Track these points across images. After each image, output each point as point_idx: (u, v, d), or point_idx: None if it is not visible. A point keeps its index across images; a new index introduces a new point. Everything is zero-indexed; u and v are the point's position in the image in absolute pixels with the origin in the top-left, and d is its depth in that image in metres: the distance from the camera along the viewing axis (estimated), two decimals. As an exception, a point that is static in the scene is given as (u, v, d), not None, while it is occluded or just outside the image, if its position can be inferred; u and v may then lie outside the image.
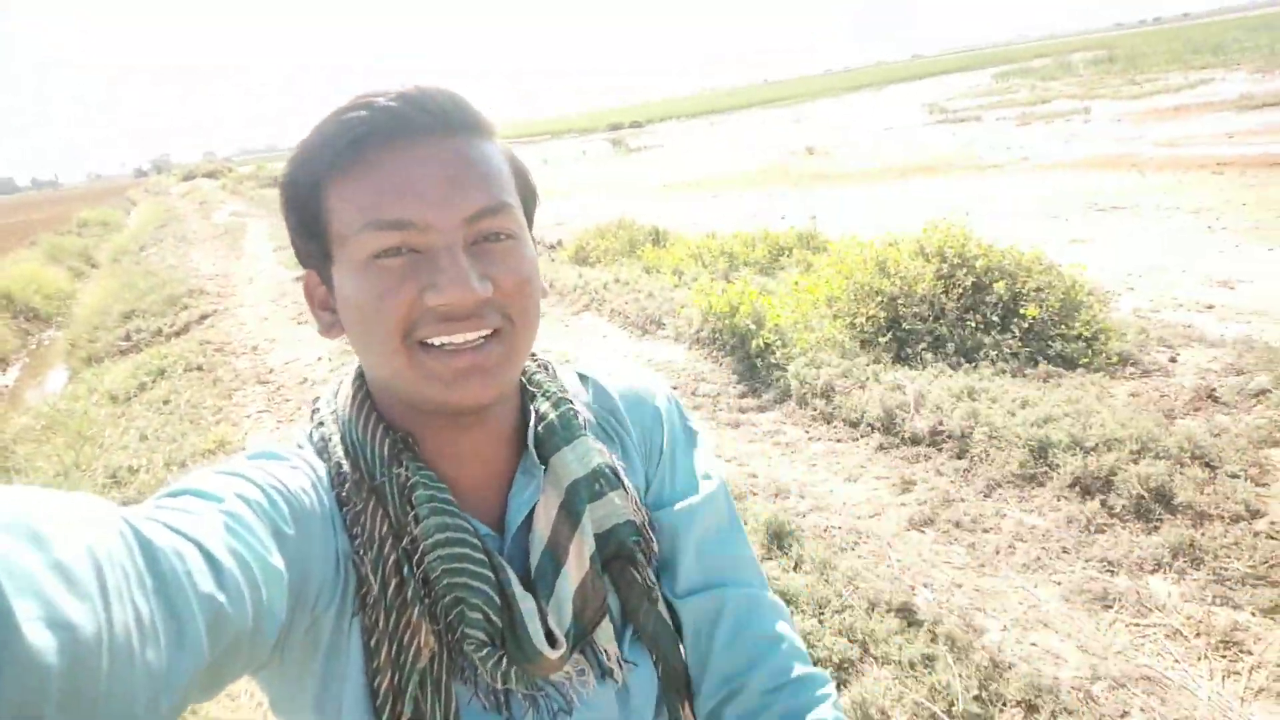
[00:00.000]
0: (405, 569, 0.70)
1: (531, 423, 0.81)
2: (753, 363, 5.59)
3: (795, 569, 3.29)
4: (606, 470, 0.81)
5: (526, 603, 0.72)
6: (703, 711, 0.88)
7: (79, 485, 5.23)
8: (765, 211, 12.44)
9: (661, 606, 0.84)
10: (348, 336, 0.73)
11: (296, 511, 0.67)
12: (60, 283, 17.37)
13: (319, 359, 7.42)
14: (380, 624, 0.69)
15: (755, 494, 3.95)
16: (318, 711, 0.70)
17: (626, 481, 0.83)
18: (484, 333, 0.69)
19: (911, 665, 2.69)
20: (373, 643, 0.69)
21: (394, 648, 0.68)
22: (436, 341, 0.67)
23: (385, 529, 0.71)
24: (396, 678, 0.68)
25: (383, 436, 0.74)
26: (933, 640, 2.79)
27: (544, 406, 0.82)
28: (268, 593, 0.58)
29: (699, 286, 6.52)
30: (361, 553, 0.70)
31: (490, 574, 0.71)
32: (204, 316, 10.25)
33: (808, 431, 4.71)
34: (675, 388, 5.55)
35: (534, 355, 0.87)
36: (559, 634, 0.73)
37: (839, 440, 4.54)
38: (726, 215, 12.66)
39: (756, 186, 16.45)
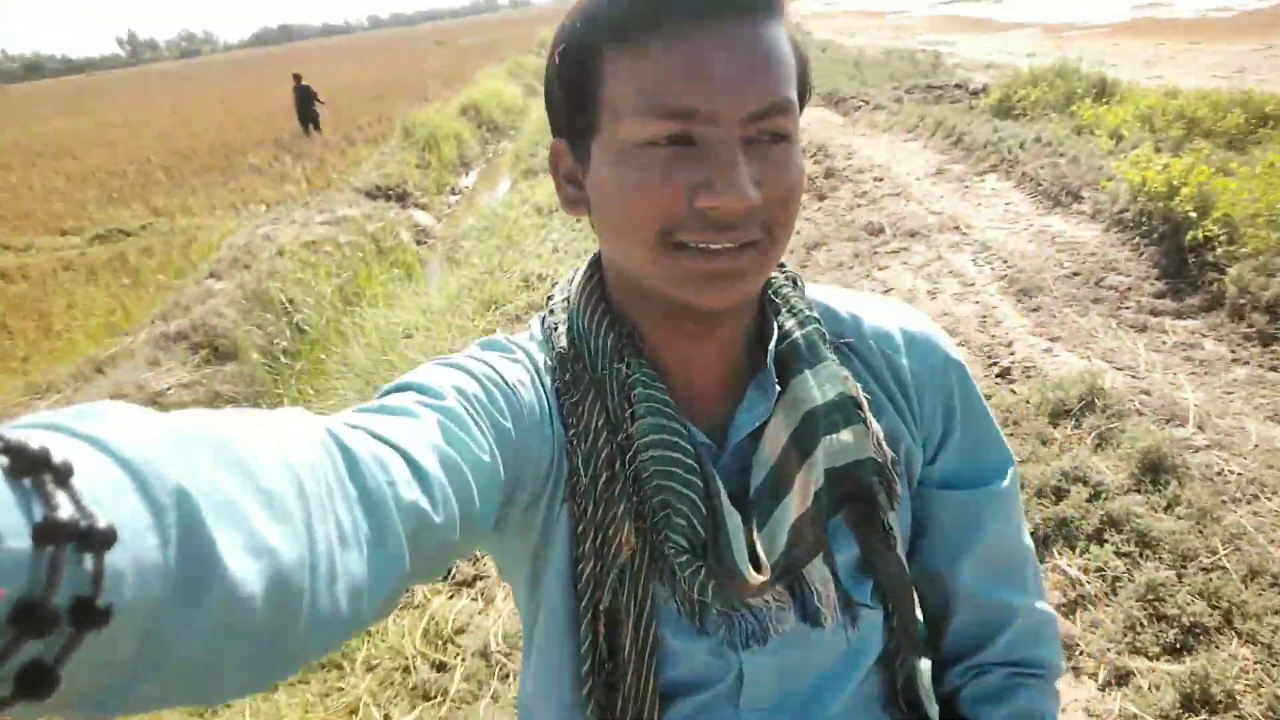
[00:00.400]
0: (617, 464, 0.70)
1: (774, 339, 0.75)
2: (1182, 258, 4.72)
3: (1166, 510, 2.84)
4: (850, 402, 0.74)
5: (733, 518, 0.69)
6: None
7: (499, 284, 6.04)
8: (1261, 67, 10.11)
9: (901, 554, 0.79)
10: (594, 219, 0.70)
11: (514, 404, 0.67)
12: (517, 99, 19.60)
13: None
14: (588, 513, 0.70)
15: (1141, 414, 3.43)
16: (531, 585, 0.75)
17: (870, 417, 0.75)
18: (742, 242, 0.64)
19: (1287, 654, 2.25)
20: (579, 530, 0.70)
21: (598, 538, 0.70)
22: (692, 242, 0.63)
23: (601, 422, 0.70)
24: (598, 566, 0.70)
25: (608, 329, 0.73)
26: (1327, 634, 2.29)
27: (789, 323, 0.76)
28: (479, 494, 0.59)
29: (1135, 157, 5.57)
30: (575, 443, 0.71)
31: (699, 483, 0.69)
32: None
33: (1233, 351, 3.93)
34: (1076, 274, 4.92)
35: (782, 266, 0.80)
36: (764, 560, 0.70)
37: (1273, 368, 3.74)
38: (1202, 69, 10.50)
39: (1258, 32, 13.33)
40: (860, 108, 11.30)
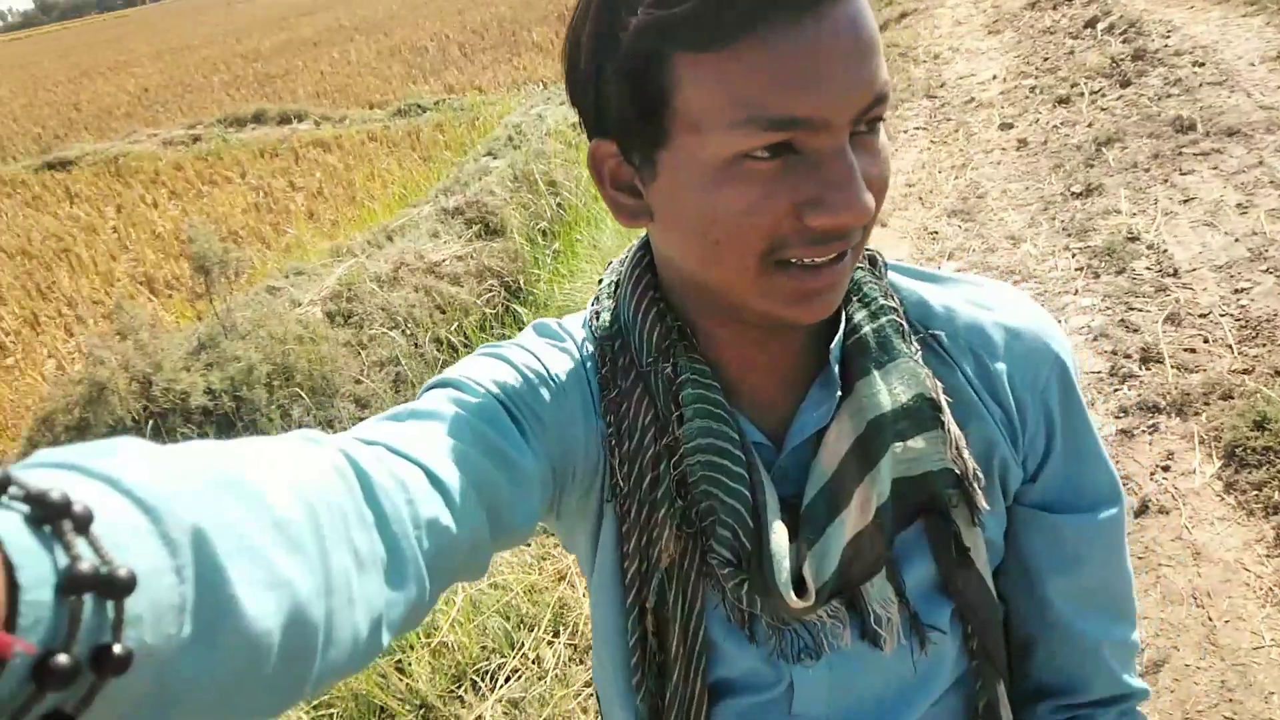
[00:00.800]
0: (662, 466, 0.66)
1: (840, 333, 0.68)
2: None
3: None
4: (927, 405, 0.66)
5: (779, 536, 0.65)
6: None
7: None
8: None
9: (985, 569, 0.71)
10: (660, 231, 0.64)
11: (557, 394, 0.66)
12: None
13: (993, 78, 6.92)
14: (631, 513, 0.68)
15: None
16: (590, 569, 0.74)
17: (950, 421, 0.67)
18: (845, 250, 0.59)
19: None
20: (624, 529, 0.69)
21: (643, 539, 0.68)
22: (796, 259, 0.58)
23: (649, 419, 0.67)
24: (643, 566, 0.68)
25: (655, 321, 0.68)
26: None
27: (859, 315, 0.68)
28: (514, 492, 0.59)
29: None
30: (617, 441, 0.68)
31: (747, 494, 0.65)
32: (903, 15, 10.15)
33: None
34: None
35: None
36: (811, 583, 0.65)
37: None
38: None
39: None
40: (1196, -29, 9.57)
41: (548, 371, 0.67)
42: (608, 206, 0.65)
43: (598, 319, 0.73)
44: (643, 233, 0.71)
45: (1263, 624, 2.12)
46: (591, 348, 0.72)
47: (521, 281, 5.34)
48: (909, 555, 0.70)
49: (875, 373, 0.66)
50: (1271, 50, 6.25)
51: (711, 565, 0.67)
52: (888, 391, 0.66)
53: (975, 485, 0.67)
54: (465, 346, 4.50)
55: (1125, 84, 6.26)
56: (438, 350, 4.55)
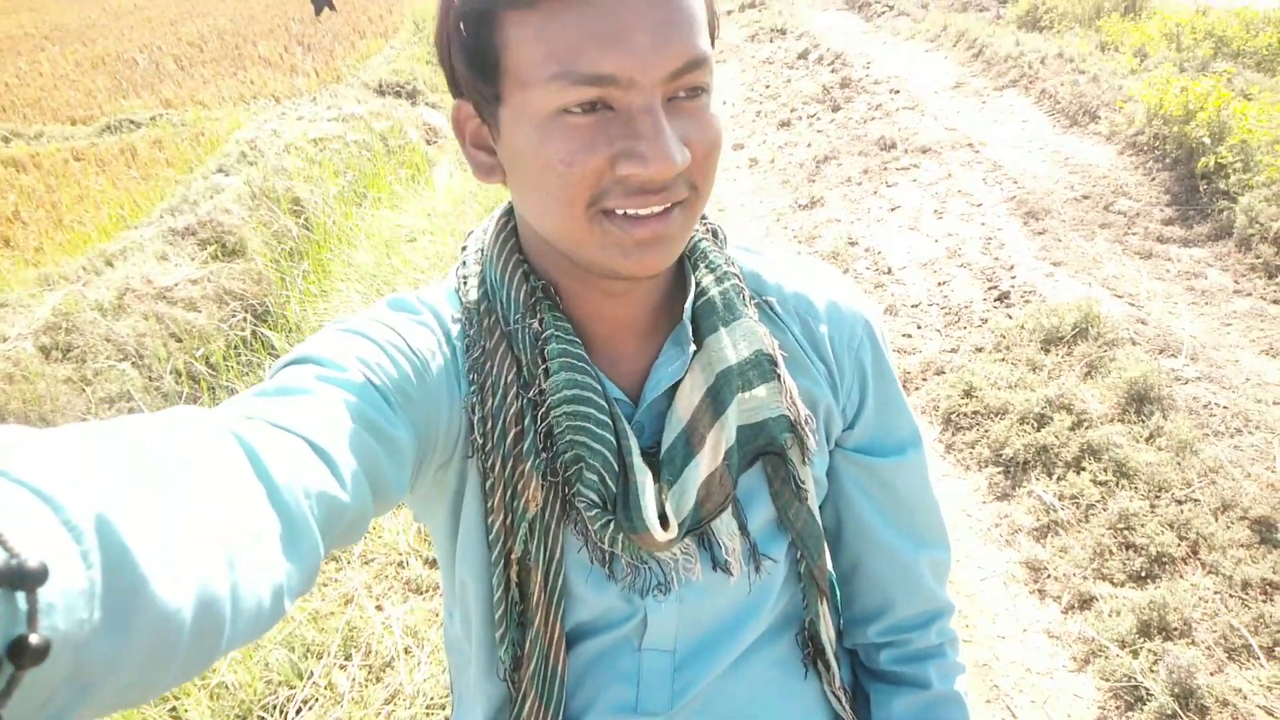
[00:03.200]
0: (526, 419, 0.69)
1: (690, 296, 0.74)
2: (1194, 185, 4.64)
3: (1147, 441, 2.89)
4: (765, 359, 0.74)
5: (643, 476, 0.70)
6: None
7: (503, 190, 5.98)
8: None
9: (814, 506, 0.80)
10: (511, 187, 0.67)
11: (420, 371, 0.67)
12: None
13: (723, 103, 7.43)
14: (495, 468, 0.69)
15: (1134, 343, 3.44)
16: (449, 535, 0.76)
17: (785, 374, 0.75)
18: (669, 205, 0.63)
19: (1245, 586, 2.32)
20: (488, 485, 0.70)
21: (508, 492, 0.70)
22: (619, 209, 0.62)
23: (512, 376, 0.69)
24: (508, 519, 0.70)
25: (520, 282, 0.71)
26: (1287, 568, 2.36)
27: (706, 280, 0.75)
28: (389, 464, 0.59)
29: (1153, 78, 5.40)
30: (481, 397, 0.70)
31: (612, 439, 0.69)
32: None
33: (1237, 282, 3.91)
34: (1085, 198, 4.85)
35: (704, 219, 0.79)
36: (673, 518, 0.71)
37: (1275, 301, 3.73)
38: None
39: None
40: (884, 14, 10.90)
41: (409, 345, 0.68)
42: (468, 163, 0.69)
43: (465, 284, 0.75)
44: (495, 209, 0.76)
45: (985, 559, 2.48)
46: (455, 314, 0.74)
47: (270, 304, 5.03)
48: (750, 494, 0.77)
49: (722, 329, 0.73)
50: (950, 81, 7.26)
51: (577, 510, 0.71)
52: (733, 347, 0.72)
53: (806, 429, 0.76)
54: (212, 375, 4.17)
55: (836, 109, 7.01)
56: (177, 382, 4.18)
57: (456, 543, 0.76)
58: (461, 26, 0.61)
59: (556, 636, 0.75)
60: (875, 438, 0.83)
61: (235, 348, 4.53)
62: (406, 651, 2.44)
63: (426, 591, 2.68)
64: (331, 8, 16.09)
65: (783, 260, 0.83)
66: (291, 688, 2.30)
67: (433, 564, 2.78)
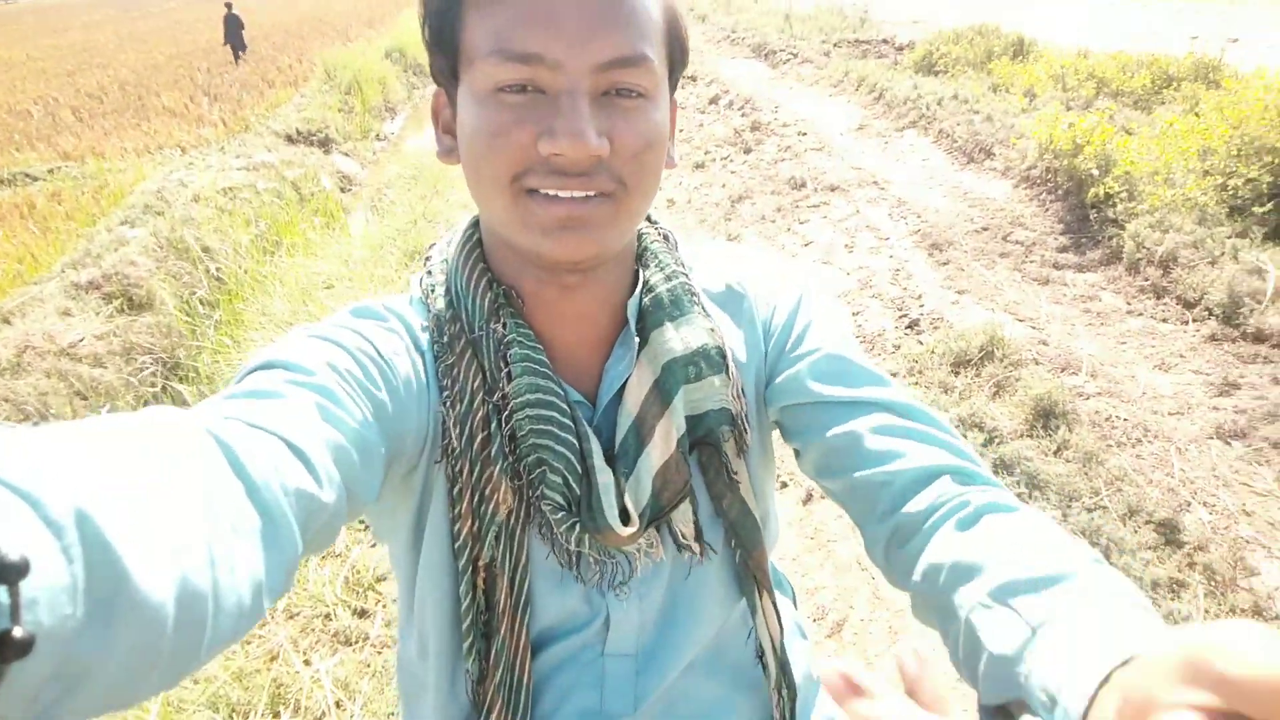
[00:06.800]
0: (493, 424, 0.70)
1: (636, 293, 0.76)
2: (1084, 214, 4.93)
3: (1055, 454, 3.03)
4: (712, 351, 0.76)
5: (605, 476, 0.71)
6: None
7: (424, 235, 5.97)
8: (1171, 29, 10.43)
9: (748, 495, 0.80)
10: (463, 168, 0.69)
11: (388, 375, 0.67)
12: (444, 41, 18.98)
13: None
14: (464, 474, 0.70)
15: (1038, 363, 3.61)
16: (412, 545, 0.76)
17: (732, 367, 0.77)
18: (591, 192, 0.65)
19: (1154, 585, 2.44)
20: (455, 491, 0.71)
21: (475, 498, 0.71)
22: (540, 189, 0.64)
23: (478, 383, 0.71)
24: (475, 525, 0.71)
25: (485, 289, 0.73)
26: (1189, 566, 2.50)
27: (655, 278, 0.77)
28: (362, 467, 0.60)
29: (1043, 116, 5.74)
30: (450, 404, 0.71)
31: (575, 441, 0.70)
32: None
33: (1129, 304, 4.15)
34: (985, 229, 5.09)
35: (655, 223, 0.82)
36: (634, 512, 0.72)
37: (1163, 320, 3.96)
38: (1116, 30, 10.78)
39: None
40: (789, 61, 11.33)
41: (377, 351, 0.68)
42: (436, 146, 0.74)
43: (431, 292, 0.76)
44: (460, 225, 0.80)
45: (911, 576, 2.55)
46: (420, 321, 0.75)
47: (181, 356, 4.88)
48: (697, 483, 0.79)
49: (668, 324, 0.75)
50: (854, 123, 7.55)
51: (542, 514, 0.72)
52: (680, 339, 0.75)
53: (745, 423, 0.78)
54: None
55: (748, 151, 7.21)
56: (84, 439, 4.00)
57: (420, 553, 0.76)
58: (426, 6, 0.67)
59: (522, 644, 0.75)
60: (825, 377, 0.77)
61: (146, 403, 4.37)
62: (338, 705, 2.36)
63: (356, 643, 2.61)
64: (242, 55, 16.28)
65: (733, 252, 0.87)
66: (217, 748, 2.21)
67: (362, 614, 2.71)
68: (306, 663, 2.52)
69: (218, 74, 15.47)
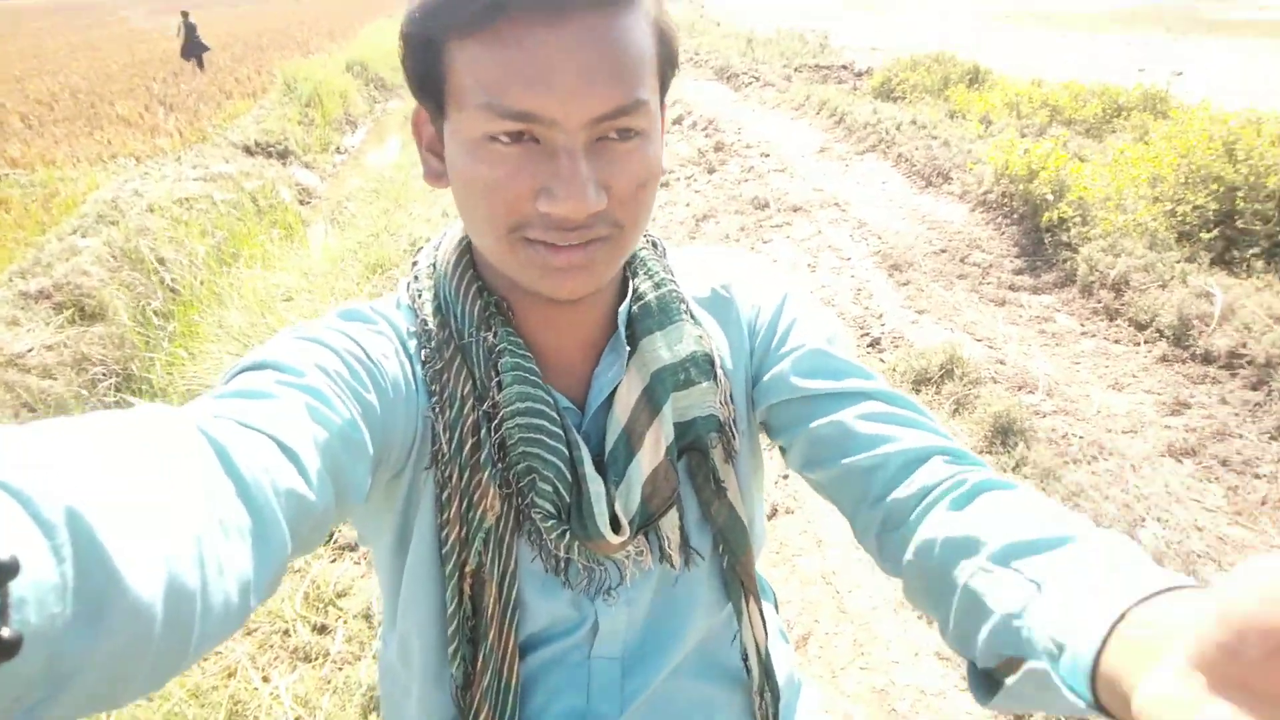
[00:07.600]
0: (482, 431, 0.70)
1: (626, 301, 0.76)
2: (1039, 237, 5.05)
3: (1014, 470, 3.08)
4: (700, 358, 0.76)
5: (595, 485, 0.71)
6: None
7: (385, 248, 5.92)
8: (1120, 61, 10.78)
9: (736, 501, 0.81)
10: (455, 203, 0.68)
11: (377, 378, 0.67)
12: (406, 56, 18.95)
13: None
14: (453, 480, 0.70)
15: (996, 381, 3.69)
16: (397, 550, 0.75)
17: (721, 373, 0.77)
18: (589, 239, 0.64)
19: (1110, 600, 2.49)
20: (444, 496, 0.71)
21: (463, 504, 0.70)
22: (538, 239, 0.64)
23: (468, 389, 0.71)
24: (463, 531, 0.71)
25: (475, 297, 0.72)
26: (1144, 581, 2.55)
27: (644, 286, 0.77)
28: (351, 470, 0.59)
29: (999, 142, 5.88)
30: (439, 410, 0.70)
31: (564, 450, 0.70)
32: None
33: (1083, 325, 4.25)
34: (944, 251, 5.19)
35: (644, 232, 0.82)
36: (624, 519, 0.72)
37: (1116, 341, 4.07)
38: (1069, 60, 11.11)
39: (1120, 28, 14.19)
40: (751, 84, 11.49)
41: (366, 353, 0.68)
42: (421, 165, 0.72)
43: (419, 298, 0.76)
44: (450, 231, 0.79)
45: (875, 589, 2.57)
46: (408, 326, 0.74)
47: (134, 368, 4.77)
48: (684, 491, 0.79)
49: (657, 332, 0.75)
50: (815, 146, 7.67)
51: (531, 521, 0.72)
52: (668, 348, 0.75)
53: (733, 430, 0.79)
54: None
55: (712, 171, 7.28)
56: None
57: (406, 559, 0.75)
58: (407, 45, 0.64)
59: (510, 649, 0.75)
60: (812, 372, 0.77)
61: (97, 414, 4.26)
62: (297, 722, 2.32)
63: (316, 659, 2.56)
64: (201, 66, 16.11)
65: (722, 257, 0.87)
66: (171, 767, 2.15)
67: (322, 630, 2.66)
68: (265, 679, 2.47)
69: (174, 84, 15.24)
